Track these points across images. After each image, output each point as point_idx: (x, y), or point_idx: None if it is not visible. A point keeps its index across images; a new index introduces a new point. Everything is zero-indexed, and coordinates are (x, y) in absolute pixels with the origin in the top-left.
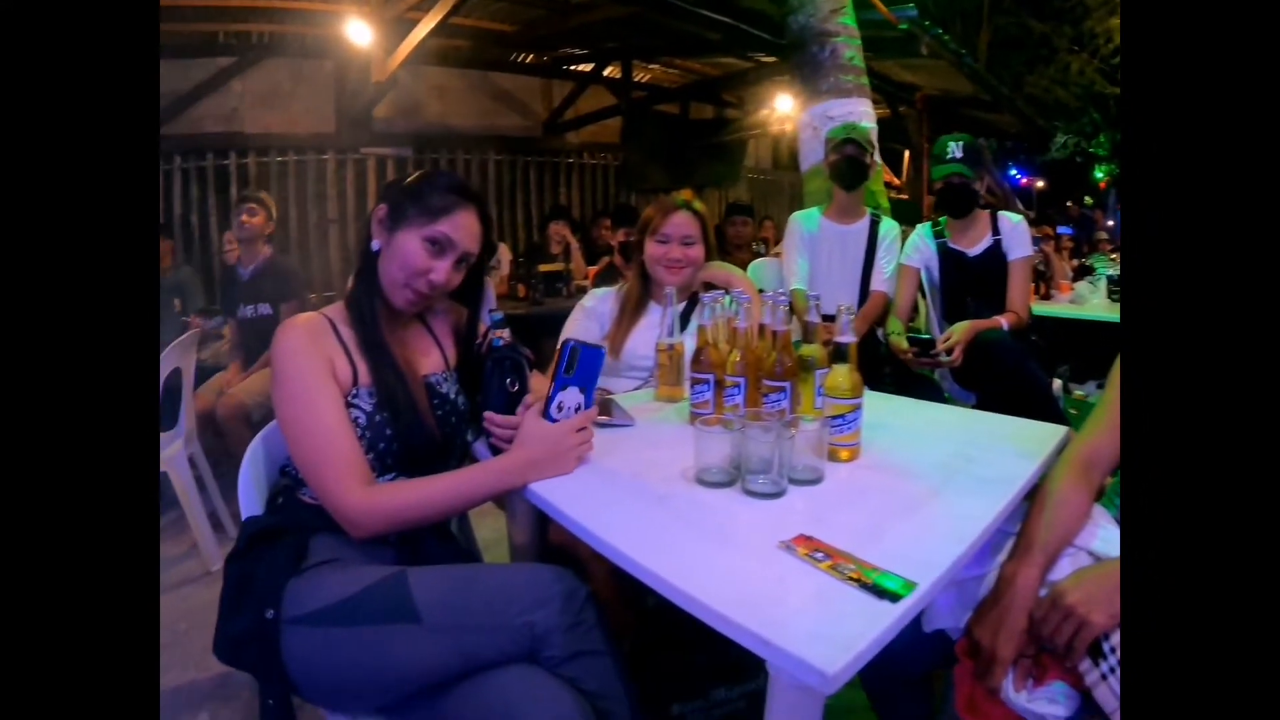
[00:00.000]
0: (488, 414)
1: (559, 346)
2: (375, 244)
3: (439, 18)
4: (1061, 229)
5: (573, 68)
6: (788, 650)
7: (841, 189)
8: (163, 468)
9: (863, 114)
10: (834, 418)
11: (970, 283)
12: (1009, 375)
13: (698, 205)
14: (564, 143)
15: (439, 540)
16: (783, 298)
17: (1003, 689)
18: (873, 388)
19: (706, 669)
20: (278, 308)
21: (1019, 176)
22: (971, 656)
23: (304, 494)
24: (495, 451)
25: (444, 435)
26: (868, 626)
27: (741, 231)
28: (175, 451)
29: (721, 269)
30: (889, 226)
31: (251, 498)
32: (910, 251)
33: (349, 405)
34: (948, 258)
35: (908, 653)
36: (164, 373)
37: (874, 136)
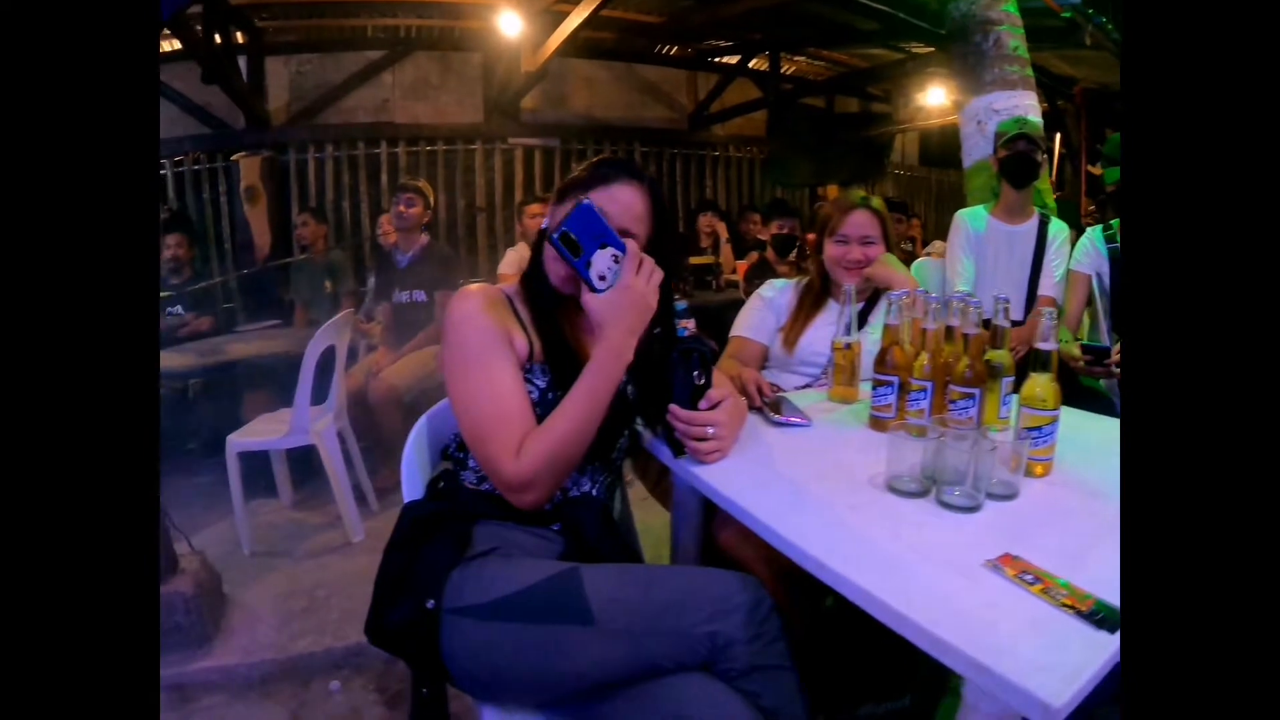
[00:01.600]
0: (672, 407)
1: (551, 240)
2: (546, 221)
3: (591, 8)
4: None
5: (718, 60)
6: (1010, 679)
7: (1011, 187)
8: (312, 440)
9: (1029, 107)
10: (1031, 429)
11: None
12: None
13: (876, 203)
14: (710, 135)
15: (605, 530)
16: (974, 300)
17: None
18: None
19: (856, 684)
20: (432, 294)
21: None
22: None
23: (466, 478)
24: (675, 447)
25: (610, 424)
26: (1090, 657)
27: (895, 229)
28: (325, 425)
29: (884, 266)
30: (1059, 228)
31: (415, 480)
32: (1081, 257)
33: (525, 379)
34: (1120, 265)
35: None
36: (318, 351)
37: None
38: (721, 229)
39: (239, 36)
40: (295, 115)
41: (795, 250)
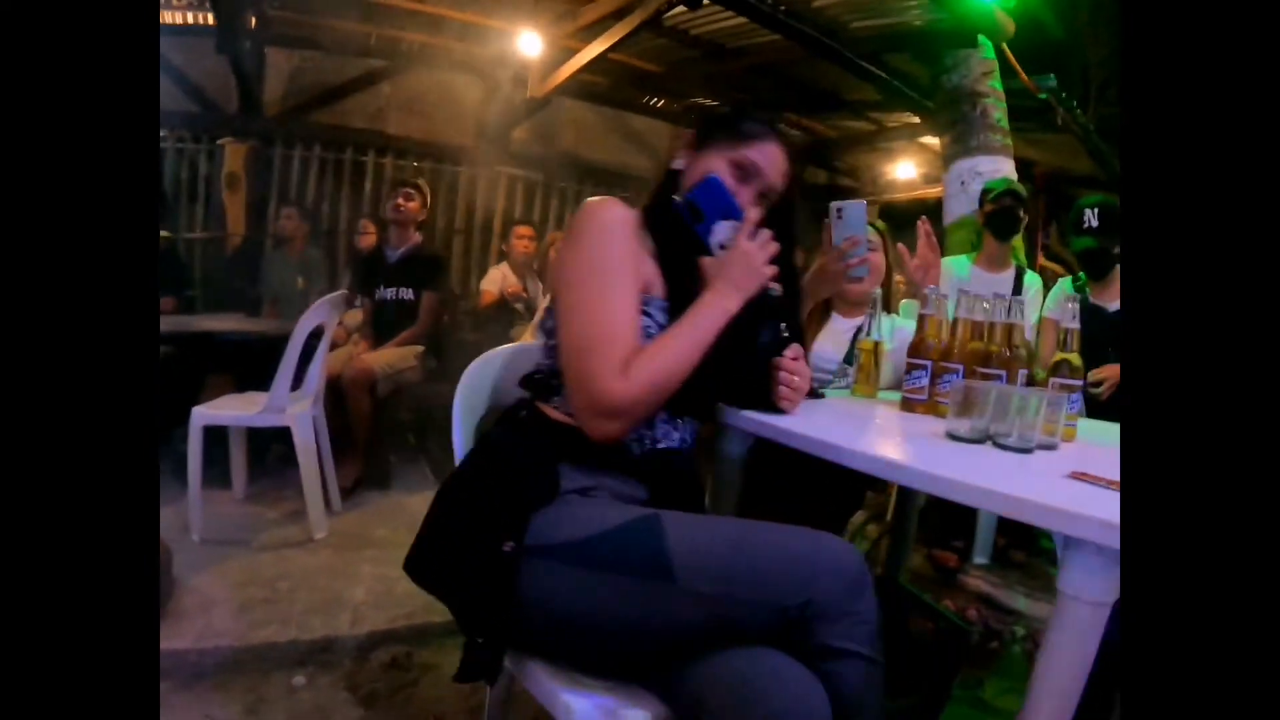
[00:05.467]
0: (777, 360)
1: (675, 204)
2: (678, 163)
3: (611, 42)
4: None
5: None
6: None
7: (995, 239)
8: (286, 422)
9: (1009, 173)
10: (1064, 395)
11: (1110, 336)
12: None
13: (878, 224)
14: None
15: (689, 484)
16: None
17: None
18: None
19: None
20: (419, 294)
21: None
22: None
23: (555, 405)
24: (752, 400)
25: (712, 372)
26: None
27: None
28: (302, 409)
29: None
30: (1032, 279)
31: (460, 419)
32: (1052, 304)
33: (642, 311)
34: (1089, 312)
35: None
36: (309, 327)
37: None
38: None
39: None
40: (288, 110)
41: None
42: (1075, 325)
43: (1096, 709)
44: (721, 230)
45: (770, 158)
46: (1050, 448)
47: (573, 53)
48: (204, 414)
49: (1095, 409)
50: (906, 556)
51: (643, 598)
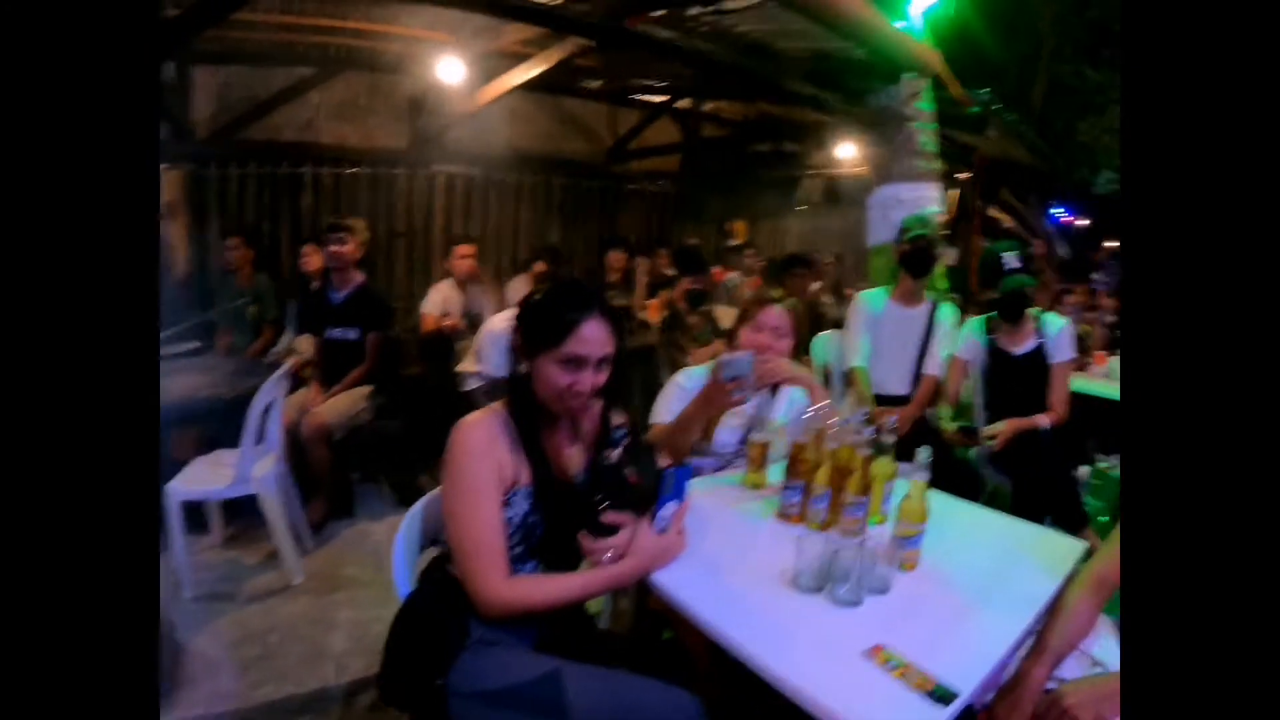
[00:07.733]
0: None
1: (661, 474)
2: (522, 368)
3: (541, 68)
4: (1095, 279)
5: (641, 97)
6: None
7: (909, 276)
8: (254, 488)
9: (932, 199)
10: (904, 538)
11: (1013, 379)
12: (1042, 469)
13: (791, 302)
14: (625, 169)
15: (577, 624)
16: (869, 429)
17: None
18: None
19: None
20: (364, 334)
21: (1061, 214)
22: None
23: (454, 569)
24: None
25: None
26: None
27: (798, 283)
28: (266, 470)
29: (802, 372)
30: (946, 313)
31: (403, 566)
32: (961, 344)
33: (508, 503)
34: (995, 355)
35: None
36: (263, 404)
37: (939, 222)
38: (641, 266)
39: None
40: (219, 129)
41: (704, 300)
42: (923, 478)
43: None
44: (668, 508)
45: (590, 336)
46: (882, 591)
47: (504, 60)
48: (180, 489)
49: (999, 460)
50: None
51: None
